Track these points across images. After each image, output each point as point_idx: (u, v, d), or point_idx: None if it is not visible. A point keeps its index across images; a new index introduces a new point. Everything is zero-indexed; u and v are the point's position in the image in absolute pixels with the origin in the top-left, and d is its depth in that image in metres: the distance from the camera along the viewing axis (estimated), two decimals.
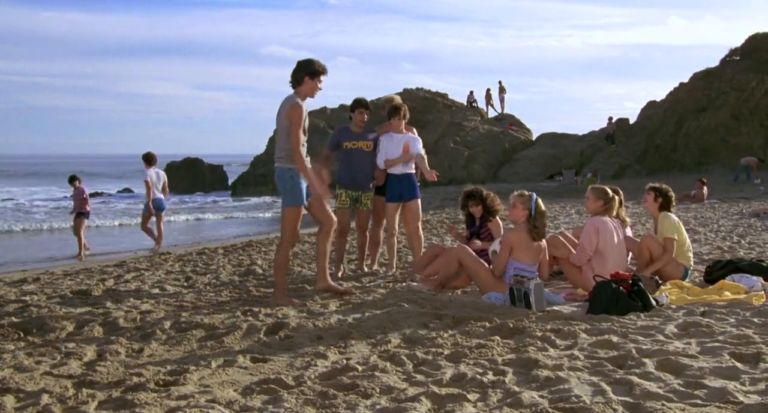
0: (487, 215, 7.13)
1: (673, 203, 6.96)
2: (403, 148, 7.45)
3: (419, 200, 7.62)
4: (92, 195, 32.98)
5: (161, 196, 12.44)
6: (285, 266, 6.18)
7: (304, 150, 6.01)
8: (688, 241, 6.88)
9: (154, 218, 12.70)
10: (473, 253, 6.37)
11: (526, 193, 6.29)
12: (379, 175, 7.63)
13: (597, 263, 6.13)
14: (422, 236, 7.88)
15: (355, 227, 7.85)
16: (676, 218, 6.84)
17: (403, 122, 7.57)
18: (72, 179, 13.76)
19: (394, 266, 7.74)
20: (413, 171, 7.57)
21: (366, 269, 7.76)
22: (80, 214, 13.37)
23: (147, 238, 13.14)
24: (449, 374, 3.73)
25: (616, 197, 6.54)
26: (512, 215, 6.24)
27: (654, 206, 6.89)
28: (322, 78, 6.11)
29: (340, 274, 7.53)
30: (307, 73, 6.02)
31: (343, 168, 7.59)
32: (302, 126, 5.98)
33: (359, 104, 7.57)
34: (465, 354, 4.11)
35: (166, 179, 12.68)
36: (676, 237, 6.61)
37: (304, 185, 6.04)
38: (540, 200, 6.19)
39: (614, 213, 6.49)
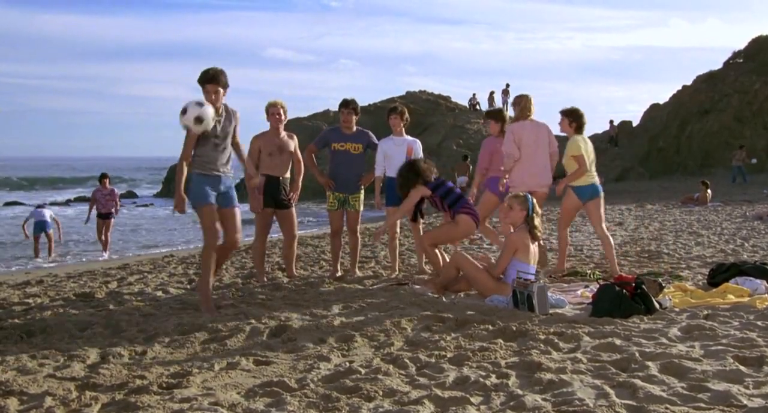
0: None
1: (584, 125, 7.57)
2: (407, 152, 7.43)
3: None
4: (77, 200, 33.08)
5: (46, 219, 13.80)
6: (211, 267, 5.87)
7: (217, 155, 5.73)
8: (589, 159, 7.43)
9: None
10: (470, 258, 6.36)
11: (521, 194, 6.32)
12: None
13: (519, 167, 7.36)
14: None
15: (347, 229, 7.77)
16: (585, 142, 7.44)
17: (402, 123, 7.52)
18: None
19: (397, 269, 7.73)
20: None
21: (359, 273, 7.70)
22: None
23: (146, 240, 13.34)
24: (452, 377, 3.73)
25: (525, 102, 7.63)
26: (510, 218, 6.23)
27: (569, 129, 7.51)
28: (207, 87, 5.66)
29: (337, 274, 7.52)
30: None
31: (330, 170, 7.57)
32: (201, 133, 5.61)
33: (343, 104, 7.52)
34: (468, 357, 4.11)
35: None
36: (583, 153, 7.26)
37: (203, 185, 5.70)
38: (535, 200, 6.22)
39: (529, 114, 7.56)
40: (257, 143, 7.23)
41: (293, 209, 7.50)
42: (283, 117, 7.28)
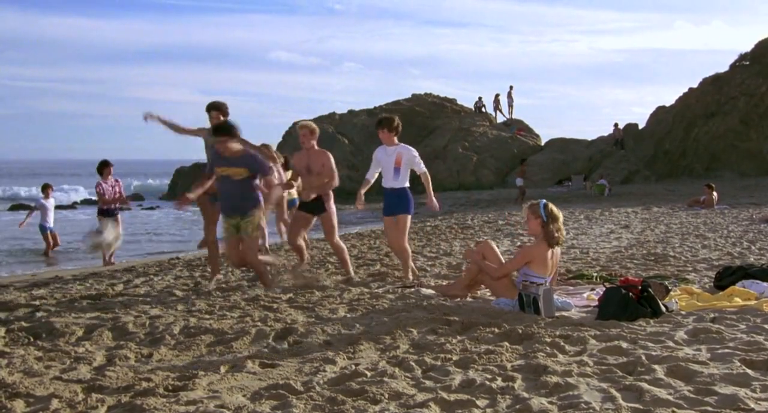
0: None
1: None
2: (395, 160, 7.27)
3: (408, 216, 7.36)
4: (84, 202, 33.17)
5: (43, 223, 14.08)
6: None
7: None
8: None
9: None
10: (497, 250, 6.30)
11: (535, 202, 6.18)
12: (307, 192, 7.45)
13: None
14: (408, 249, 7.60)
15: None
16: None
17: (392, 134, 7.31)
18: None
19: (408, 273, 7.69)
20: (405, 186, 7.31)
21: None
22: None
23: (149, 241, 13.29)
24: (458, 380, 3.73)
25: None
26: (530, 230, 6.11)
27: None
28: (213, 113, 7.46)
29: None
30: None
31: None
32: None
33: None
34: (474, 360, 4.11)
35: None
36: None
37: None
38: (551, 205, 6.06)
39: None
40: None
41: (329, 212, 7.57)
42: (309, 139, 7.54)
